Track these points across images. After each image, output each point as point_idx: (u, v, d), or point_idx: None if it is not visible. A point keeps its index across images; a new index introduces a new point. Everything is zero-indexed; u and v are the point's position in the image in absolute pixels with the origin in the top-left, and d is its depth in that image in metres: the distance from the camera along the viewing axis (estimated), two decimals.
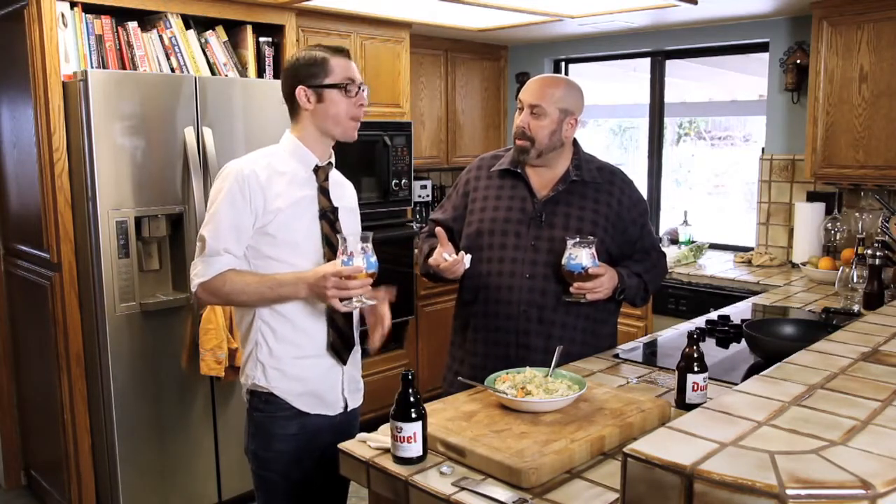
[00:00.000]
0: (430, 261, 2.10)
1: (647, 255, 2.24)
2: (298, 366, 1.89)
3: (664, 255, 2.31)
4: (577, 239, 2.01)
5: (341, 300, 1.77)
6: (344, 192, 2.01)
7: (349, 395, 2.00)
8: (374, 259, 1.80)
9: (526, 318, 2.09)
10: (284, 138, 1.93)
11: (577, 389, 1.71)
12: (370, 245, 1.79)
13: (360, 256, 1.76)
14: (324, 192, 1.92)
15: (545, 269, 2.08)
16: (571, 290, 2.03)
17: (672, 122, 4.92)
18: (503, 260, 2.11)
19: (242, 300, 1.85)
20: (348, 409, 2.00)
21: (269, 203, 1.83)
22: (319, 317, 1.91)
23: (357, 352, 2.03)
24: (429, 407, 1.60)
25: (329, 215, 1.91)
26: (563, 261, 2.02)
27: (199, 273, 1.83)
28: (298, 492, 1.93)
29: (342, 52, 1.89)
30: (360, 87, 1.89)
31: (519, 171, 2.16)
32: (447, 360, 2.30)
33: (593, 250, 2.01)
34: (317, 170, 1.92)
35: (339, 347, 1.94)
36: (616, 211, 2.16)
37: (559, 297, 2.08)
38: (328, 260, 1.86)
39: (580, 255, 1.99)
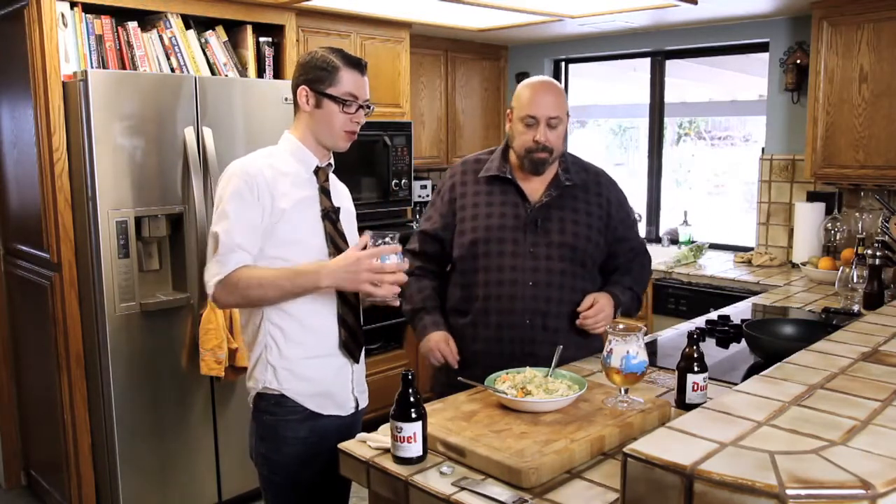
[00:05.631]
0: (434, 346, 2.10)
1: (635, 257, 2.23)
2: (309, 366, 1.87)
3: (649, 255, 2.31)
4: (621, 327, 1.68)
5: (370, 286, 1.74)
6: (340, 194, 2.00)
7: (359, 395, 1.99)
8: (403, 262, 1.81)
9: (531, 327, 2.05)
10: (284, 139, 1.92)
11: (577, 389, 1.71)
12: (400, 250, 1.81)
13: (395, 255, 1.76)
14: (325, 192, 1.91)
15: (547, 276, 2.06)
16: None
17: (672, 122, 4.93)
18: (503, 268, 2.06)
19: (259, 295, 1.78)
20: (358, 409, 1.99)
21: (277, 202, 1.80)
22: (329, 316, 1.88)
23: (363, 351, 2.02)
24: (429, 407, 1.60)
25: (331, 215, 1.90)
26: (615, 361, 1.65)
27: (214, 273, 1.76)
28: (306, 493, 1.92)
29: (358, 66, 1.86)
30: (361, 106, 1.86)
31: (509, 176, 2.11)
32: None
33: (642, 340, 1.69)
34: (317, 171, 1.91)
35: (352, 346, 1.93)
36: (606, 210, 2.15)
37: (562, 303, 2.07)
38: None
39: (640, 351, 1.66)
